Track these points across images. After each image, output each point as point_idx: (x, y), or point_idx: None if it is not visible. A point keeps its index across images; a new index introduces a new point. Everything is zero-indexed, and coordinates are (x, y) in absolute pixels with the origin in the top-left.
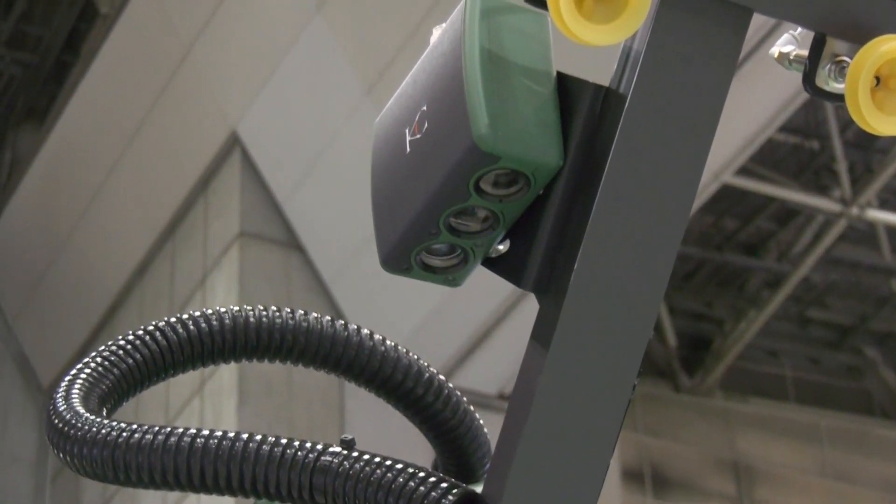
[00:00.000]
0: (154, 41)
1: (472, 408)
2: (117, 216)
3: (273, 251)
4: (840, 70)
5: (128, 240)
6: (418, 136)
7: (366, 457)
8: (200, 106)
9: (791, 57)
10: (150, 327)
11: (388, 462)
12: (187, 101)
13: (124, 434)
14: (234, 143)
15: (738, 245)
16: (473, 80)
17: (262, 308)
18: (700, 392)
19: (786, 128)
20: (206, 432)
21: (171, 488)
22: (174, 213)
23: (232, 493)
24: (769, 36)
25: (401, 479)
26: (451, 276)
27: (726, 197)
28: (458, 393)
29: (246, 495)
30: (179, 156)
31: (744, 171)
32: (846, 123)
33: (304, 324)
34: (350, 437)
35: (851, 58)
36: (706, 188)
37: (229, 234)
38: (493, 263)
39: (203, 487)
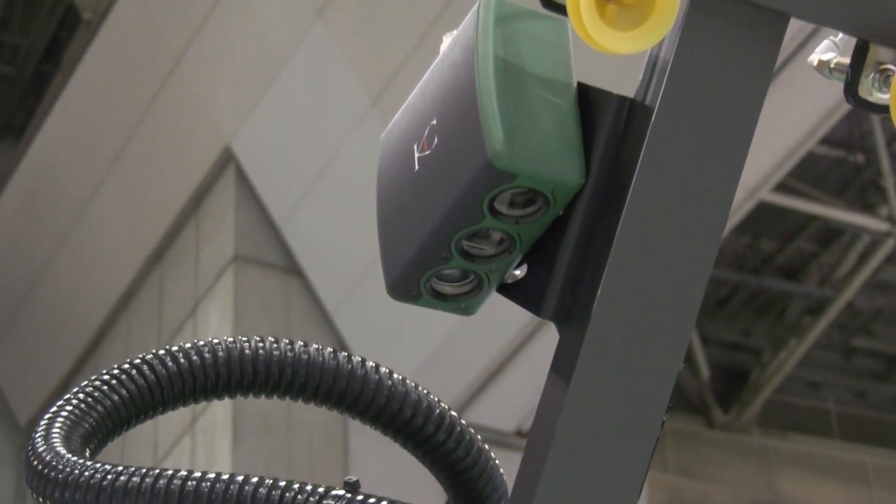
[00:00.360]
0: (141, 49)
1: (486, 446)
2: (101, 239)
3: (270, 277)
4: (885, 79)
5: (113, 265)
6: (427, 152)
7: (372, 500)
8: (191, 119)
9: (831, 65)
10: (137, 360)
11: None
12: (177, 113)
13: (109, 476)
14: (227, 159)
15: (777, 268)
16: (487, 92)
17: (258, 339)
18: (736, 428)
19: (827, 140)
20: (197, 474)
21: None
22: (163, 236)
23: None
24: (808, 42)
25: None
26: (463, 303)
27: (763, 216)
28: (472, 430)
29: None
30: (169, 173)
31: (782, 187)
32: (893, 136)
33: (305, 356)
34: (354, 478)
35: None
36: (741, 206)
37: (223, 259)
38: (509, 290)
39: None
